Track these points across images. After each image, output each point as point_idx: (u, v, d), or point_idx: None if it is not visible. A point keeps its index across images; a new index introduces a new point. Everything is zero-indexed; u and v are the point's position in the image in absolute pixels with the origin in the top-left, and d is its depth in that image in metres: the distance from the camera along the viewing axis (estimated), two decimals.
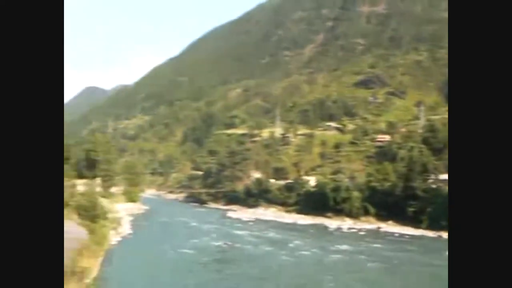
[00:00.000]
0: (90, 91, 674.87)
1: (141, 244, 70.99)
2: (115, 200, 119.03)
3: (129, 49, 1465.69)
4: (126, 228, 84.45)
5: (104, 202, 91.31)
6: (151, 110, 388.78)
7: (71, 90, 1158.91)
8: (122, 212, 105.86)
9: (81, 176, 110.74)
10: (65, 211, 71.57)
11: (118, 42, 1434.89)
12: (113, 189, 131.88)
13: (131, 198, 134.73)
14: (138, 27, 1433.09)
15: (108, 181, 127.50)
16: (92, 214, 74.13)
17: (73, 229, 64.20)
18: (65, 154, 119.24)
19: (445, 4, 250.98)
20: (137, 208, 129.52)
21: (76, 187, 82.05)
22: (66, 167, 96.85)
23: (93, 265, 47.42)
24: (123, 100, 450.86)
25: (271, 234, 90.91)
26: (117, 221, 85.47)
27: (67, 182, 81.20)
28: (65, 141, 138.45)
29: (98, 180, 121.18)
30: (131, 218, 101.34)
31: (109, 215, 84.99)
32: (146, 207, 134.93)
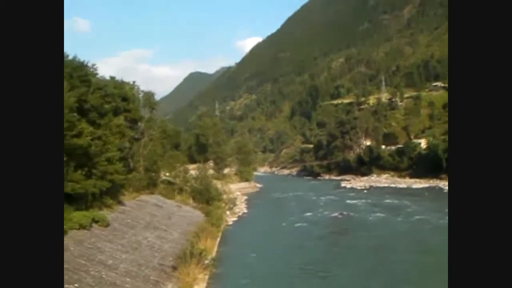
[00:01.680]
0: (195, 77, 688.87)
1: (257, 222, 71.79)
2: (229, 181, 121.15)
3: (228, 30, 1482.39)
4: (241, 208, 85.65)
5: (217, 184, 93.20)
6: (256, 89, 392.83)
7: (176, 79, 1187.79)
8: (237, 192, 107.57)
9: (193, 161, 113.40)
10: (181, 197, 74.03)
11: (217, 24, 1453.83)
12: (226, 170, 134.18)
13: (245, 178, 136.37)
14: (233, 7, 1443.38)
15: (220, 163, 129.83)
16: (206, 197, 75.89)
17: (189, 213, 66.17)
18: (175, 140, 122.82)
19: None
20: (251, 186, 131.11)
21: (189, 171, 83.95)
22: (177, 153, 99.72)
23: (211, 246, 48.50)
24: (228, 82, 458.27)
25: (386, 200, 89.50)
26: (232, 202, 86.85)
27: (179, 168, 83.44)
28: (175, 128, 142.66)
29: (210, 163, 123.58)
30: (245, 197, 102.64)
31: (224, 196, 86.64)
32: (260, 185, 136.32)
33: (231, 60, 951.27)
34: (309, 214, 75.82)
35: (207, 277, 38.03)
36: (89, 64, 58.80)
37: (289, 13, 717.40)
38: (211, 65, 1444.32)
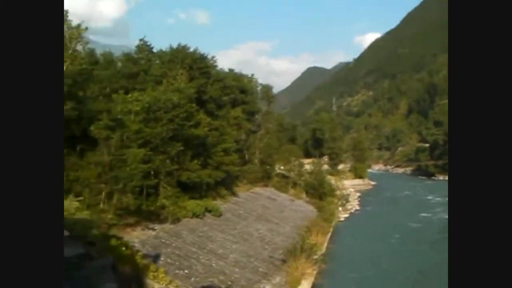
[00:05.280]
0: (312, 72, 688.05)
1: (369, 220, 70.56)
2: (343, 177, 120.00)
3: (347, 25, 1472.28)
4: (353, 204, 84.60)
5: (331, 179, 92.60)
6: (373, 85, 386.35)
7: (293, 72, 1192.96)
8: (350, 188, 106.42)
9: (308, 155, 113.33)
10: (294, 191, 74.21)
11: (335, 19, 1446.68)
12: (340, 166, 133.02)
13: (358, 174, 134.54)
14: (352, 1, 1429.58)
15: (335, 158, 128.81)
16: (320, 192, 75.56)
17: (302, 207, 66.17)
18: (291, 134, 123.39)
19: None
20: (365, 183, 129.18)
21: (304, 166, 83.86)
22: (293, 147, 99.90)
23: (321, 242, 48.19)
24: (345, 78, 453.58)
25: None
26: (345, 198, 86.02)
27: (294, 162, 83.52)
28: (291, 121, 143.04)
29: (325, 158, 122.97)
30: (358, 194, 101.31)
31: (337, 192, 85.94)
32: (374, 183, 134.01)
33: (349, 55, 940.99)
34: (422, 215, 73.57)
35: (315, 272, 37.77)
36: (209, 56, 60.20)
37: (409, 8, 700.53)
38: (329, 60, 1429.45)
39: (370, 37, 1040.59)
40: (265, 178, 72.30)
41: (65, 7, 41.15)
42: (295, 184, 78.06)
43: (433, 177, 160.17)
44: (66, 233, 22.84)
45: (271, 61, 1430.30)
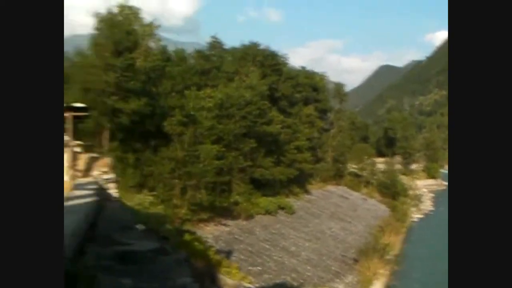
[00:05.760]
0: (384, 70, 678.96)
1: (443, 221, 68.60)
2: (415, 177, 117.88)
3: (418, 23, 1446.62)
4: (427, 205, 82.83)
5: (404, 179, 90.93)
6: (446, 84, 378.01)
7: (365, 71, 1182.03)
8: (423, 188, 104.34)
9: (380, 154, 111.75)
10: (367, 190, 73.21)
11: (407, 16, 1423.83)
12: (413, 166, 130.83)
13: (431, 174, 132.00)
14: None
15: (407, 158, 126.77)
16: (392, 192, 74.28)
17: (375, 206, 65.18)
18: (363, 133, 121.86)
19: None
20: (438, 184, 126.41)
21: (376, 165, 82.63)
22: (365, 145, 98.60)
23: (394, 242, 47.22)
24: (417, 76, 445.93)
25: None
26: (418, 198, 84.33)
27: (367, 160, 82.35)
28: (363, 120, 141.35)
29: (397, 158, 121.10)
30: (432, 195, 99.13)
31: (410, 192, 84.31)
32: (447, 183, 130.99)
33: (422, 53, 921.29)
34: None
35: (388, 273, 36.96)
36: (280, 54, 60.05)
37: None
38: (401, 58, 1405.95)
39: (442, 35, 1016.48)
40: (338, 176, 71.69)
41: (138, 5, 42.10)
42: (367, 183, 77.03)
43: None
44: (141, 227, 23.09)
45: (342, 59, 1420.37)
